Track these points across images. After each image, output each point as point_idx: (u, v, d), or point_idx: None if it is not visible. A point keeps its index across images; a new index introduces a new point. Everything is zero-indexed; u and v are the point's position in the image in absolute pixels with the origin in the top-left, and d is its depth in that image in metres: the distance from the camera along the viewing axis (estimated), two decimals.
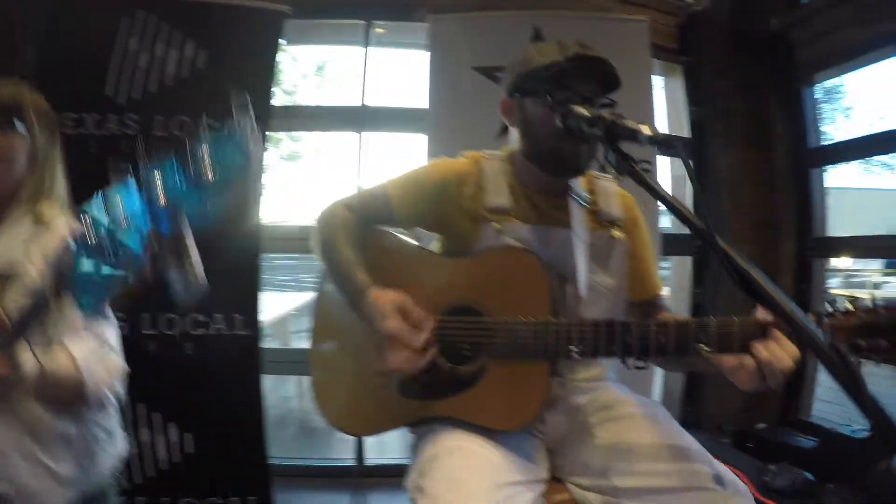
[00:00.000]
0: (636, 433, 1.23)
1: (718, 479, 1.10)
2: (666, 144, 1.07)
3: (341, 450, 3.25)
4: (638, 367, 1.18)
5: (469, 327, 1.22)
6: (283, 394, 5.10)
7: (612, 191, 1.40)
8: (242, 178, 0.69)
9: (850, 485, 2.34)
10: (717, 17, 3.36)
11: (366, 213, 1.37)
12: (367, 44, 3.19)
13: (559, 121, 1.14)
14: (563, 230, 1.30)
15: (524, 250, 1.24)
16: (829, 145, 3.69)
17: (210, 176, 0.68)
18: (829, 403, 4.44)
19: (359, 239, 1.33)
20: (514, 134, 1.35)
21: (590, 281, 1.29)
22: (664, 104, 3.57)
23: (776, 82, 3.48)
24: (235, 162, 0.68)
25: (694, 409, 3.30)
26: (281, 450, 3.06)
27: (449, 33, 2.85)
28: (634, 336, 1.11)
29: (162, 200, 0.69)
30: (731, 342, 1.04)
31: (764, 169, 3.48)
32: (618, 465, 1.19)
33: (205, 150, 0.68)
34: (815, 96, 3.60)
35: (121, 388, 1.33)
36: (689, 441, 1.20)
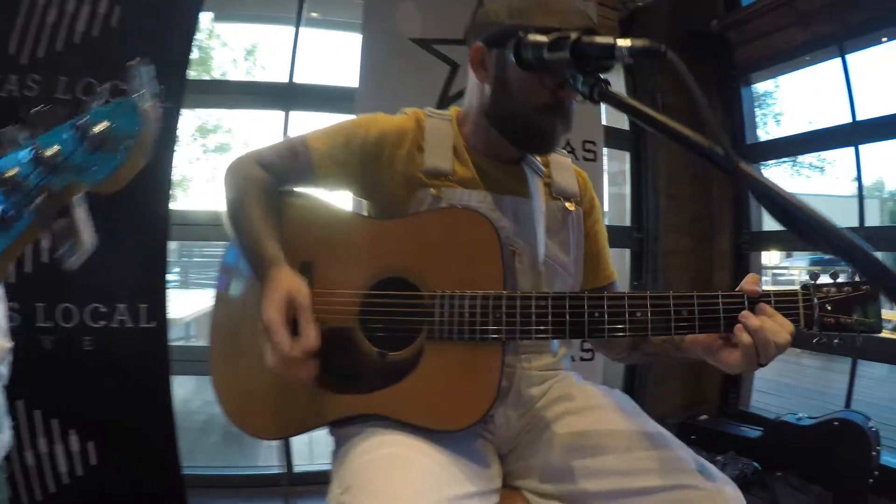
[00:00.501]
0: (604, 427, 1.07)
1: (703, 471, 0.97)
2: (652, 53, 0.86)
3: (269, 457, 3.02)
4: (584, 359, 1.03)
5: (402, 304, 1.00)
6: (207, 397, 4.70)
7: (567, 165, 1.26)
8: (143, 150, 0.60)
9: (798, 472, 2.38)
10: (658, 14, 3.38)
11: (281, 170, 1.14)
12: (298, 23, 3.05)
13: (512, 55, 0.94)
14: (513, 198, 1.14)
15: (473, 212, 1.02)
16: (766, 142, 3.89)
17: (106, 144, 0.60)
18: (766, 394, 4.46)
19: (272, 201, 1.11)
20: (475, 89, 1.15)
21: (548, 253, 1.14)
22: None
23: (715, 80, 3.56)
24: (136, 131, 0.60)
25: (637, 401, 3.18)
26: (205, 458, 2.76)
27: (385, 4, 2.65)
28: (606, 311, 0.93)
29: (53, 163, 0.60)
30: (716, 317, 0.91)
31: (700, 164, 3.36)
32: (585, 465, 1.02)
33: (104, 114, 0.60)
34: (752, 96, 3.73)
35: (4, 369, 1.20)
36: (664, 432, 1.06)
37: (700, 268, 3.56)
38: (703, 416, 3.09)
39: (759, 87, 3.77)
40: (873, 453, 2.29)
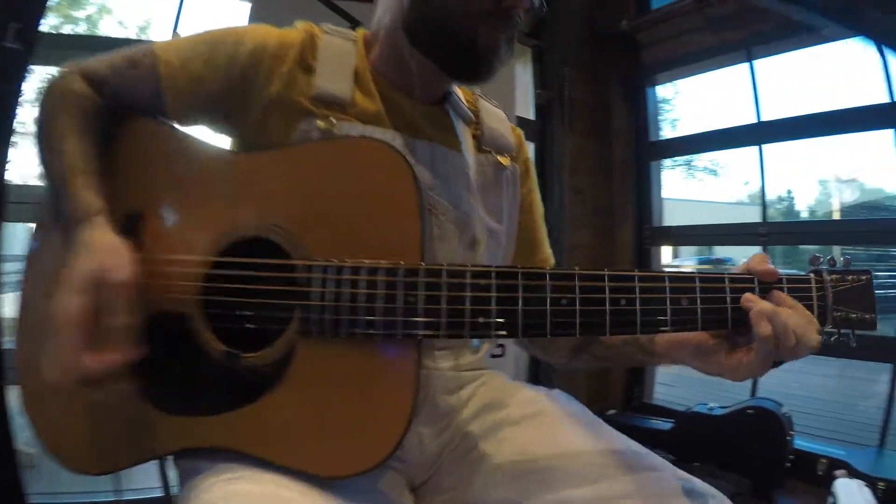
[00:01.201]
0: (559, 446, 0.79)
1: (690, 491, 0.74)
2: None
3: (146, 479, 2.49)
4: (493, 355, 0.93)
5: (264, 278, 0.65)
6: None
7: (501, 116, 0.98)
8: None
9: (715, 461, 2.37)
10: (572, 9, 3.30)
11: (115, 87, 0.78)
12: None
13: None
14: (432, 144, 0.83)
15: (380, 144, 0.69)
16: (668, 140, 3.90)
17: None
18: (668, 386, 4.42)
19: (96, 125, 0.76)
20: (386, 2, 0.83)
21: (475, 216, 0.86)
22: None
23: (621, 78, 3.53)
24: None
25: None
26: (66, 482, 2.26)
27: None
28: (579, 297, 0.65)
29: None
30: (723, 307, 0.67)
31: (603, 159, 3.51)
32: (534, 493, 0.75)
33: None
34: (657, 96, 3.76)
35: None
36: (634, 446, 0.81)
37: (601, 262, 3.36)
38: (612, 411, 2.98)
39: (658, 92, 3.75)
40: (787, 438, 2.32)
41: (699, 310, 0.65)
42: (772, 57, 3.30)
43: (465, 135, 0.88)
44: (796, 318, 0.63)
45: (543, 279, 0.63)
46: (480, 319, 0.62)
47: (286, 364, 0.64)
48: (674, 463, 2.08)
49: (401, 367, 0.63)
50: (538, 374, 2.92)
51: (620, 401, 3.34)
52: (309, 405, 0.63)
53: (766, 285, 0.67)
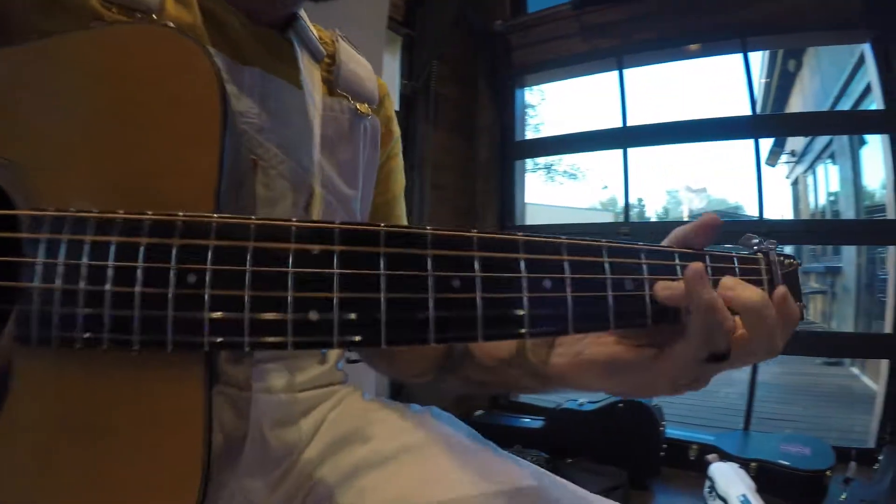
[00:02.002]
0: (437, 485, 0.58)
1: None
2: None
3: None
4: (352, 361, 0.77)
5: None
6: None
7: (364, 63, 0.76)
8: None
9: (590, 456, 2.36)
10: (447, 3, 3.14)
11: None
12: None
13: None
14: (264, 74, 0.61)
15: (166, 29, 0.42)
16: (534, 139, 4.14)
17: None
18: None
19: None
20: None
21: (319, 174, 0.64)
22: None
23: (490, 77, 3.47)
24: None
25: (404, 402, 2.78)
26: None
27: None
28: (480, 275, 0.39)
29: None
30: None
31: (467, 156, 3.47)
32: None
33: None
34: (524, 98, 3.77)
35: None
36: (533, 472, 0.61)
37: None
38: (479, 412, 2.87)
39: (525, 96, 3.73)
40: (660, 429, 2.38)
41: (647, 298, 0.43)
42: (642, 67, 3.47)
43: (312, 72, 0.67)
44: (748, 296, 0.43)
45: (422, 244, 0.38)
46: (313, 316, 0.35)
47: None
48: (547, 460, 2.02)
49: (180, 394, 0.37)
50: (401, 383, 2.66)
51: (487, 400, 3.23)
52: (32, 462, 0.36)
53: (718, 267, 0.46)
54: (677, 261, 0.45)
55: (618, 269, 0.42)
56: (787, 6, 2.76)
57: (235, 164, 0.42)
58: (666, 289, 0.43)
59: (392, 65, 3.02)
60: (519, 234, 0.41)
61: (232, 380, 0.46)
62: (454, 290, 0.37)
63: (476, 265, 0.38)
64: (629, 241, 0.44)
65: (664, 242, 0.48)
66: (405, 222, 0.81)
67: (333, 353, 0.73)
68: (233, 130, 0.41)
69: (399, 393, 2.76)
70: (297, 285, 0.35)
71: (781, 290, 0.44)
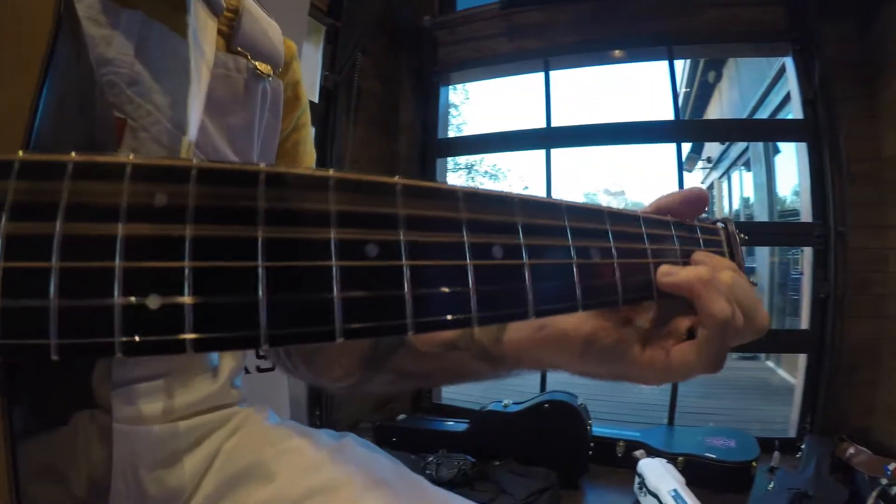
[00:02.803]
0: None
1: None
2: None
3: None
4: (262, 369, 0.56)
5: None
6: None
7: (273, 25, 0.65)
8: None
9: (517, 457, 2.29)
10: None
11: None
12: None
13: None
14: (145, 18, 0.49)
15: None
16: (457, 138, 4.00)
17: None
18: (458, 385, 4.32)
19: None
20: None
21: (198, 142, 0.51)
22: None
23: (415, 73, 3.40)
24: None
25: (324, 412, 2.70)
26: None
27: None
28: (405, 238, 0.26)
29: None
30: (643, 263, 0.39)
31: (388, 153, 3.38)
32: None
33: None
34: (448, 96, 3.73)
35: None
36: None
37: None
38: (401, 416, 2.75)
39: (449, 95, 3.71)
40: (587, 427, 2.34)
41: (616, 270, 0.35)
42: (568, 70, 3.45)
43: (205, 23, 0.53)
44: (741, 285, 0.40)
45: (322, 189, 0.24)
46: (153, 303, 0.20)
47: None
48: (473, 464, 1.92)
49: None
50: (319, 390, 2.53)
51: (408, 404, 3.14)
52: None
53: (686, 238, 0.42)
54: (643, 228, 0.38)
55: (579, 235, 0.33)
56: (714, 18, 2.86)
57: (92, 122, 0.33)
58: (669, 275, 0.37)
59: (314, 55, 2.89)
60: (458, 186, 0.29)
61: (104, 402, 0.35)
62: (368, 258, 0.24)
63: (401, 224, 0.25)
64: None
65: (649, 207, 0.43)
66: None
67: (227, 365, 0.59)
68: (74, 69, 0.31)
69: (318, 402, 2.61)
70: (128, 253, 0.20)
71: (708, 272, 0.39)
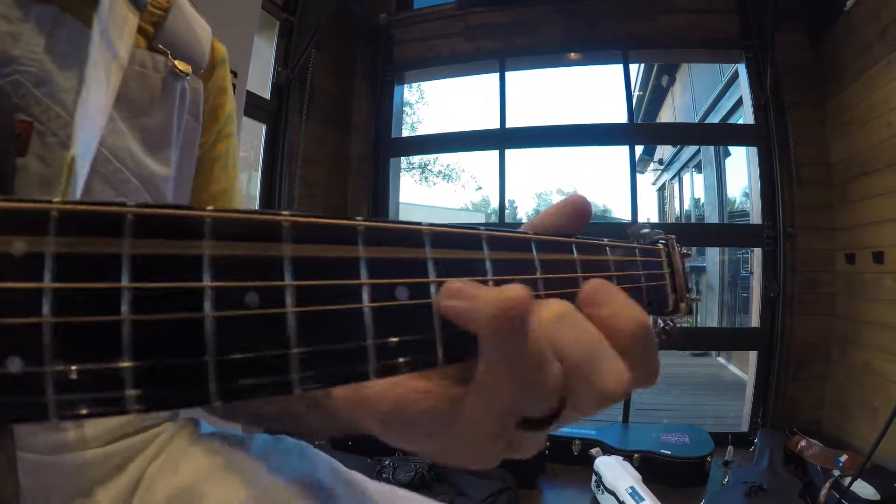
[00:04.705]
0: None
1: None
2: None
3: None
4: None
5: None
6: None
7: (201, 23, 0.59)
8: None
9: None
10: None
11: None
12: None
13: None
14: (61, 14, 0.44)
15: None
16: (411, 137, 4.00)
17: None
18: None
19: None
20: None
21: (109, 146, 0.47)
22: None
23: (369, 71, 3.35)
24: None
25: None
26: None
27: None
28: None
29: None
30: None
31: (340, 152, 3.33)
32: None
33: None
34: (403, 95, 3.69)
35: None
36: None
37: None
38: None
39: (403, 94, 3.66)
40: None
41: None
42: (523, 71, 3.45)
43: (123, 18, 0.47)
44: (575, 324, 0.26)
45: (196, 234, 0.18)
46: (13, 366, 0.15)
47: None
48: (430, 467, 1.90)
49: None
50: None
51: None
52: None
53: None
54: (535, 253, 0.28)
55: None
56: (669, 24, 2.91)
57: None
58: (453, 296, 0.23)
59: (267, 50, 2.81)
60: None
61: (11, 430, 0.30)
62: (245, 306, 0.19)
63: (287, 266, 0.20)
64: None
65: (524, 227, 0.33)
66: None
67: None
68: None
69: None
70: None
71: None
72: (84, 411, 0.16)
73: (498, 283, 0.25)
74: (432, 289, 0.24)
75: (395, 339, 0.22)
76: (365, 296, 0.21)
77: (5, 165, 0.33)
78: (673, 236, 0.42)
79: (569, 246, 0.30)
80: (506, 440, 0.28)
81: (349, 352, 0.21)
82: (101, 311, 0.17)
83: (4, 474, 0.30)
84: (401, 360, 0.22)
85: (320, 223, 0.21)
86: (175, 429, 0.57)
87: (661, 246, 0.41)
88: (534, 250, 0.28)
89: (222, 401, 0.18)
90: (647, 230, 0.42)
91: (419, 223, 0.24)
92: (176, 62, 0.53)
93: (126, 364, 0.17)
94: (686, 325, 0.44)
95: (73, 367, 0.16)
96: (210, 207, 0.19)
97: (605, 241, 0.33)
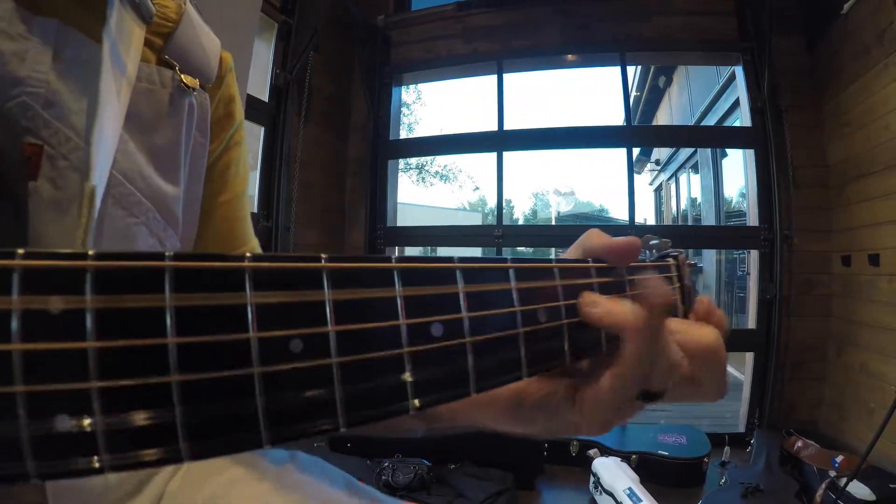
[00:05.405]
0: None
1: None
2: None
3: None
4: None
5: None
6: None
7: (210, 35, 0.59)
8: None
9: (473, 460, 2.27)
10: None
11: None
12: None
13: None
14: (64, 27, 0.43)
15: None
16: (409, 139, 4.01)
17: None
18: None
19: None
20: None
21: (121, 168, 0.46)
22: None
23: (367, 73, 3.33)
24: None
25: None
26: None
27: None
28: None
29: None
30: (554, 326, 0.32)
31: (338, 154, 3.34)
32: None
33: None
34: (401, 96, 3.68)
35: None
36: None
37: None
38: None
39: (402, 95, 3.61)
40: None
41: (522, 340, 0.29)
42: (521, 73, 3.45)
43: (132, 29, 0.47)
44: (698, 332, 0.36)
45: (238, 284, 0.19)
46: (62, 425, 0.16)
47: None
48: (429, 468, 1.90)
49: None
50: None
51: None
52: None
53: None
54: (593, 278, 0.34)
55: (527, 298, 0.29)
56: (667, 26, 2.91)
57: None
58: (593, 305, 0.32)
59: (265, 53, 2.81)
60: (393, 258, 0.24)
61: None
62: (292, 359, 0.20)
63: (329, 311, 0.21)
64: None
65: (570, 250, 0.38)
66: (250, 228, 0.64)
67: None
68: None
69: None
70: (27, 372, 0.16)
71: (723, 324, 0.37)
72: (137, 462, 0.17)
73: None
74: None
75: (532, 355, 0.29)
76: (404, 334, 0.23)
77: (18, 190, 0.34)
78: (682, 251, 0.45)
79: (588, 272, 0.34)
80: (623, 411, 0.34)
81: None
82: (147, 365, 0.17)
83: (31, 497, 0.32)
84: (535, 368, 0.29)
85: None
86: None
87: (671, 261, 0.43)
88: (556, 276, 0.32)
89: (272, 445, 0.19)
90: (655, 241, 0.44)
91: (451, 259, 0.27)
92: (183, 76, 0.52)
93: (178, 417, 0.17)
94: None
95: (126, 422, 0.17)
96: (248, 254, 0.20)
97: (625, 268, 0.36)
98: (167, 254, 0.18)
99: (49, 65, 0.42)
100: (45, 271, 0.16)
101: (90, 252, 0.17)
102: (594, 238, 0.36)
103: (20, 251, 0.16)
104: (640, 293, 0.33)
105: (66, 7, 0.43)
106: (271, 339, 0.19)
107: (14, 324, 0.16)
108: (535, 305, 0.29)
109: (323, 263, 0.21)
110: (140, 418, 0.17)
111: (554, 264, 0.31)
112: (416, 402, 0.23)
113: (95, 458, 0.16)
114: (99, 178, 0.41)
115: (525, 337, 0.28)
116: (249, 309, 0.19)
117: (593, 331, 0.32)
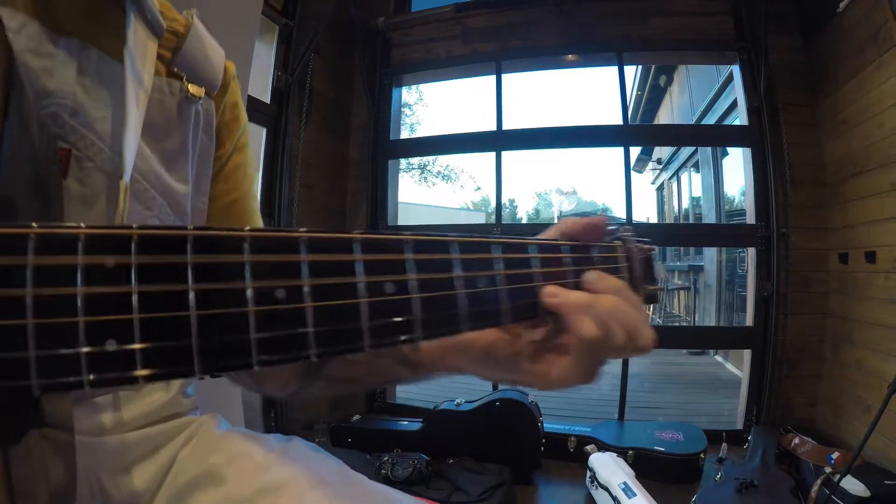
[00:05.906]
0: None
1: None
2: None
3: None
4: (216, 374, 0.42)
5: None
6: None
7: (215, 46, 0.65)
8: None
9: (471, 454, 2.30)
10: None
11: None
12: None
13: None
14: (87, 46, 0.49)
15: None
16: (409, 139, 4.03)
17: None
18: (413, 385, 4.29)
19: None
20: None
21: (138, 168, 0.53)
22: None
23: (368, 74, 3.35)
24: None
25: (279, 414, 2.68)
26: None
27: None
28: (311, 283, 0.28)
29: None
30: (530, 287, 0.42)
31: (340, 155, 3.37)
32: None
33: None
34: (401, 97, 3.71)
35: None
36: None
37: None
38: (356, 417, 2.73)
39: (402, 96, 3.59)
40: (538, 424, 2.37)
41: (505, 294, 0.38)
42: (520, 73, 3.47)
43: (146, 45, 0.53)
44: (625, 308, 0.41)
45: (237, 248, 0.26)
46: (111, 346, 0.23)
47: None
48: (428, 463, 1.92)
49: None
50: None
51: (363, 405, 3.14)
52: None
53: (580, 259, 0.44)
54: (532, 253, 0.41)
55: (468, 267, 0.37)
56: (664, 26, 2.93)
57: (32, 156, 0.35)
58: (552, 296, 0.40)
59: (266, 55, 2.84)
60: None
61: (56, 420, 0.37)
62: (277, 301, 0.27)
63: (304, 270, 0.28)
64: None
65: (551, 230, 0.46)
66: (259, 222, 0.70)
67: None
68: (26, 114, 0.34)
69: (272, 405, 2.57)
70: (89, 308, 0.22)
71: (579, 297, 0.41)
72: (166, 374, 0.24)
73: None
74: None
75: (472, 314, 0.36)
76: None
77: (53, 187, 0.38)
78: (629, 234, 0.50)
79: (525, 248, 0.41)
80: (594, 366, 0.42)
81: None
82: (172, 309, 0.24)
83: (53, 458, 0.37)
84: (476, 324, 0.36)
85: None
86: (202, 421, 0.64)
87: (618, 243, 0.49)
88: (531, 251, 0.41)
89: (259, 367, 0.26)
90: (613, 227, 0.50)
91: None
92: (189, 86, 0.57)
93: (193, 342, 0.24)
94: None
95: (159, 344, 0.24)
96: (248, 228, 0.27)
97: (562, 242, 0.44)
98: (189, 226, 0.25)
99: (74, 78, 0.47)
100: (100, 237, 0.23)
101: (134, 226, 0.24)
102: (569, 222, 0.45)
103: (83, 224, 0.23)
104: (584, 281, 0.42)
105: (86, 27, 0.48)
106: (261, 289, 0.26)
107: (79, 275, 0.22)
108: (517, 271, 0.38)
109: (303, 232, 0.29)
110: (169, 345, 0.23)
111: (492, 239, 0.38)
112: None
113: (136, 371, 0.23)
114: (127, 176, 0.47)
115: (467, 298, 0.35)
116: (247, 267, 0.26)
117: (529, 299, 0.39)
